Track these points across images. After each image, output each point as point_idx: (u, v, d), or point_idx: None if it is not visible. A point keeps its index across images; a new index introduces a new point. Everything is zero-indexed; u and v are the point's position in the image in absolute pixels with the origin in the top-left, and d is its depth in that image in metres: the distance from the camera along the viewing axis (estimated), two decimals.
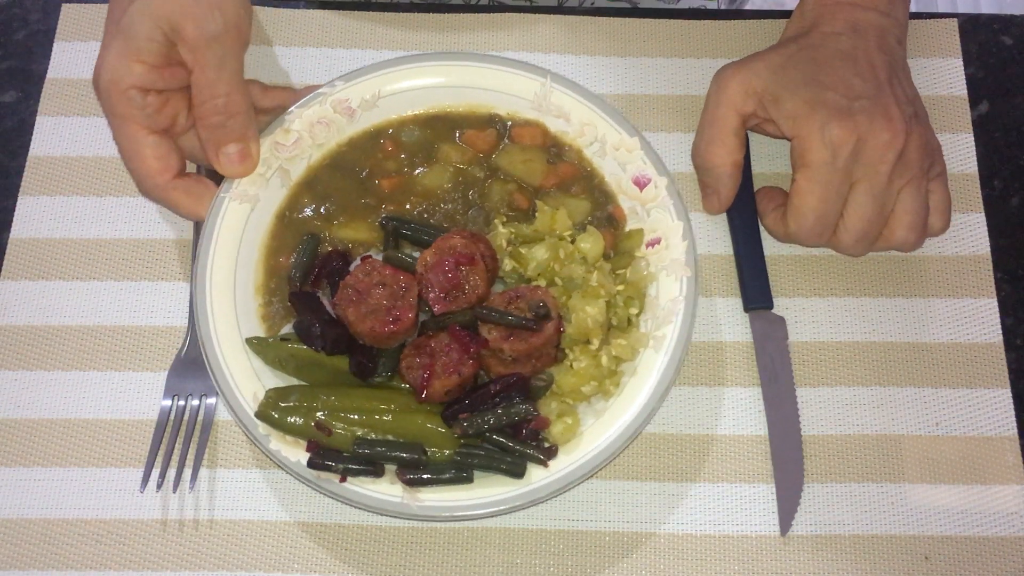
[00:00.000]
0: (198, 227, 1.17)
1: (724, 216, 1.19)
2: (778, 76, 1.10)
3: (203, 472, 1.07)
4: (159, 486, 1.06)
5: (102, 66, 1.06)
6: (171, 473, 1.06)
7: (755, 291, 1.14)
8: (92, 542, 1.05)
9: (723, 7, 1.51)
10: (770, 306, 1.14)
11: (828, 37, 1.12)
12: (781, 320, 1.13)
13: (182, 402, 1.10)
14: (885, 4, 1.14)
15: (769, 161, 1.22)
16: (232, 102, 1.07)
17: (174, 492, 1.06)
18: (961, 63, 1.27)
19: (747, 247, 1.16)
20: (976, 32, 1.30)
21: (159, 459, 1.07)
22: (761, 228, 1.17)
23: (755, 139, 1.22)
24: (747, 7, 1.55)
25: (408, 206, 1.14)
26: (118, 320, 1.15)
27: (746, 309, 1.14)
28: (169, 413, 1.09)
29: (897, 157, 1.05)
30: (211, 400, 1.10)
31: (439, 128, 1.19)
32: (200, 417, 1.09)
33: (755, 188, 1.19)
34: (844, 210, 1.07)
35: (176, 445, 1.07)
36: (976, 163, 1.22)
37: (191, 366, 1.11)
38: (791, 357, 1.12)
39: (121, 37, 1.05)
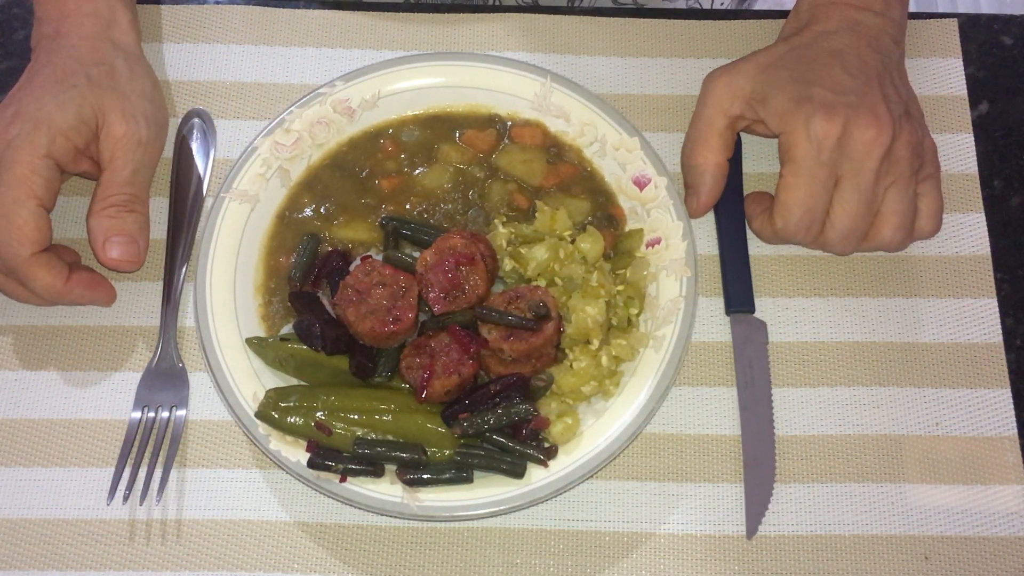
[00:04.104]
0: (175, 225, 1.16)
1: (712, 217, 1.18)
2: (766, 76, 1.10)
3: (203, 472, 1.07)
4: (126, 498, 1.05)
5: (19, 118, 1.05)
6: (139, 483, 1.06)
7: (737, 295, 1.13)
8: (92, 542, 1.05)
9: (731, 7, 1.51)
10: (751, 310, 1.13)
11: (820, 36, 1.11)
12: (762, 324, 1.13)
13: (152, 414, 1.09)
14: (880, 4, 1.14)
15: (765, 161, 1.22)
16: (134, 201, 1.09)
17: (140, 505, 1.05)
18: (961, 63, 1.27)
19: (732, 250, 1.15)
20: (976, 32, 1.30)
21: (128, 469, 1.06)
22: (749, 233, 1.16)
23: (748, 138, 1.22)
24: (747, 7, 1.55)
25: (408, 206, 1.15)
26: (117, 320, 1.15)
27: (728, 312, 1.14)
28: (138, 427, 1.08)
29: (884, 154, 1.04)
30: (181, 412, 1.09)
31: (439, 128, 1.19)
32: (169, 429, 1.08)
33: (747, 191, 1.19)
34: (830, 207, 1.06)
35: (145, 456, 1.07)
36: (976, 163, 1.22)
37: (162, 377, 1.10)
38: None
39: (54, 105, 1.06)
